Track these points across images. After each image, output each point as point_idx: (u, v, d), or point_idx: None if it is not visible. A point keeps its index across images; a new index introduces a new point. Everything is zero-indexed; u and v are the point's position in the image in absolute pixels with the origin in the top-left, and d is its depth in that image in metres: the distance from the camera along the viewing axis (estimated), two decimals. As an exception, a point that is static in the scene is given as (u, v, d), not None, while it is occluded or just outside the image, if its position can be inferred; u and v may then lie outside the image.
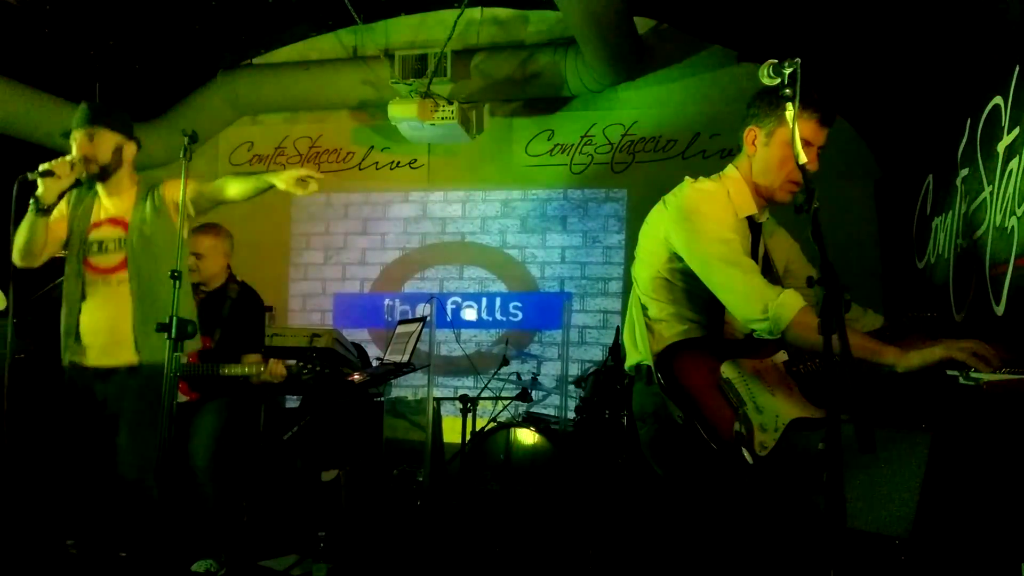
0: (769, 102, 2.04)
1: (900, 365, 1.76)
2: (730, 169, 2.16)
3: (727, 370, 1.98)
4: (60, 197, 2.88)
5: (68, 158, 2.79)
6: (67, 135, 2.94)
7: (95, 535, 3.01)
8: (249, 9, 5.13)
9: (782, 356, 2.04)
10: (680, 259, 2.05)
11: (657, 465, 2.16)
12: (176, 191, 2.83)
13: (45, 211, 2.82)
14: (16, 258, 2.92)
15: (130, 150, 3.00)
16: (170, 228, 2.88)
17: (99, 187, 2.99)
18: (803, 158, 1.70)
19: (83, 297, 2.91)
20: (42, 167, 2.72)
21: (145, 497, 2.78)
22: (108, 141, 2.93)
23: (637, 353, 2.16)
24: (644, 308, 2.14)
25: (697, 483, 2.06)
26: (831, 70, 3.96)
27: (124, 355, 2.84)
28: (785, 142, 2.00)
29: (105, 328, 2.87)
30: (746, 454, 1.84)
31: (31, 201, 2.78)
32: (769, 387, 1.98)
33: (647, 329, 2.11)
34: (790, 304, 1.83)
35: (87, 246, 2.94)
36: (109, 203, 2.99)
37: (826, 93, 2.03)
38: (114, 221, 2.96)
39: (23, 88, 4.79)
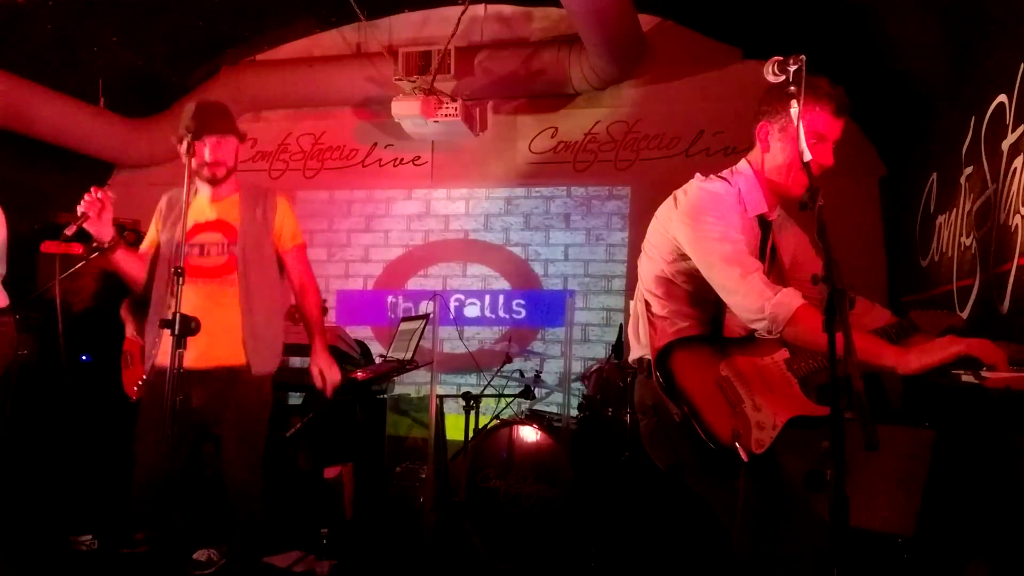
0: (779, 97, 2.02)
1: (900, 368, 1.75)
2: (743, 164, 2.15)
3: (726, 368, 1.98)
4: (120, 228, 2.79)
5: (94, 193, 2.59)
6: (182, 138, 2.67)
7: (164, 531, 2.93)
8: (253, 5, 5.14)
9: (783, 354, 2.03)
10: (685, 259, 2.05)
11: (655, 457, 2.16)
12: (286, 217, 2.93)
13: (110, 248, 2.68)
14: (135, 291, 2.91)
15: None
16: (271, 242, 2.90)
17: (206, 190, 2.87)
18: (807, 156, 1.70)
19: (178, 299, 2.73)
20: (80, 211, 2.55)
21: (249, 503, 2.76)
22: (233, 146, 2.87)
23: (639, 347, 2.17)
24: (647, 304, 2.14)
25: (694, 478, 2.06)
26: (836, 67, 3.94)
27: (225, 357, 2.75)
28: (796, 137, 1.99)
29: (206, 330, 2.65)
30: (740, 451, 1.83)
31: (92, 246, 2.66)
32: (768, 385, 1.97)
33: (649, 324, 2.11)
34: (787, 303, 1.83)
35: (188, 249, 2.74)
36: (211, 207, 2.87)
37: (837, 83, 2.01)
38: (216, 224, 2.85)
39: (28, 84, 4.80)
